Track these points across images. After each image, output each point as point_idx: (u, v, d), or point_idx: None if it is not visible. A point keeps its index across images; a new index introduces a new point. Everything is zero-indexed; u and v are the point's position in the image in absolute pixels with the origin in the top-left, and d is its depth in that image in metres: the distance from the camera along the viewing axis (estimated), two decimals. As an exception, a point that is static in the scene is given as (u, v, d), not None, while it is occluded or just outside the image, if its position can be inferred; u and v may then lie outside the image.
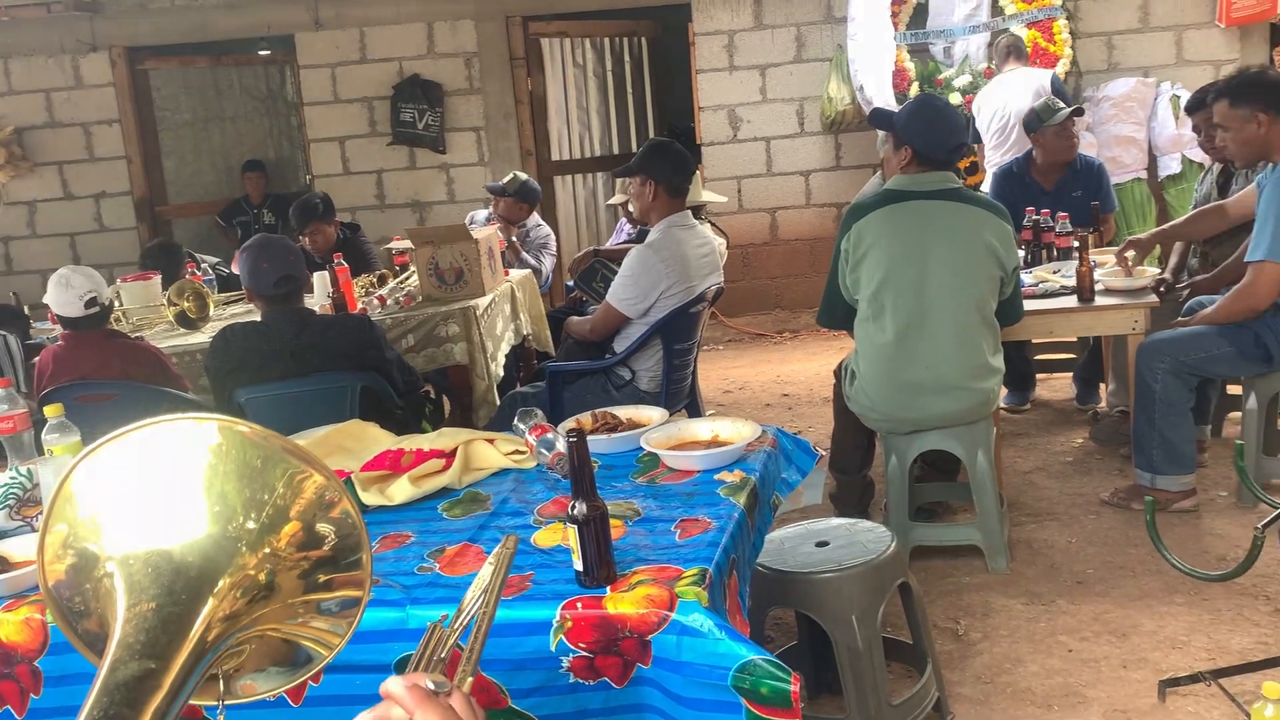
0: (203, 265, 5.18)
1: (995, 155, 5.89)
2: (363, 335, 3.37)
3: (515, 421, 2.24)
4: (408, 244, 4.88)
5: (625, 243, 5.32)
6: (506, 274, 4.78)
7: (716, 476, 1.97)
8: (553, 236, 5.73)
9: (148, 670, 0.64)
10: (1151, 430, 3.45)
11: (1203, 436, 3.86)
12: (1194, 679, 2.44)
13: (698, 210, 4.65)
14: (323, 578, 0.75)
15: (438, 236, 4.36)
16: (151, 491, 0.70)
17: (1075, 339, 4.79)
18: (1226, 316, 3.41)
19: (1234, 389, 4.06)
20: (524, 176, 5.50)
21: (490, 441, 2.22)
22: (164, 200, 7.75)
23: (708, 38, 7.16)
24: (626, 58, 7.92)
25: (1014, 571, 3.23)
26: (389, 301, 4.34)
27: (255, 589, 0.71)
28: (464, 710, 0.73)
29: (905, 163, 3.27)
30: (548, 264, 5.55)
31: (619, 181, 5.47)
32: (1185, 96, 6.46)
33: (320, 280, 4.45)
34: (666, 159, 3.71)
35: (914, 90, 6.57)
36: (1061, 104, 4.52)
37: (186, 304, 4.42)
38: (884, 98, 6.54)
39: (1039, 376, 4.96)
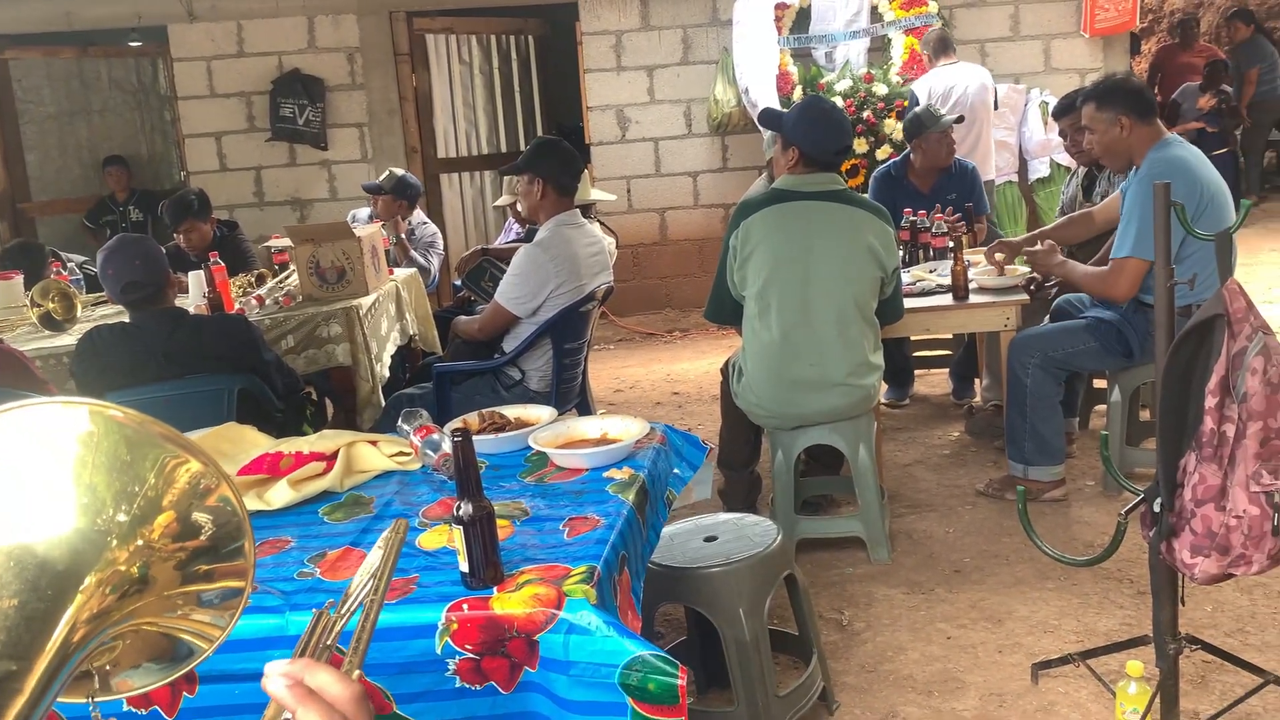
0: (69, 264, 4.94)
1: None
2: (239, 336, 3.26)
3: (400, 423, 2.20)
4: (287, 242, 4.74)
5: (513, 242, 5.28)
6: (391, 273, 4.69)
7: (605, 474, 1.97)
8: (439, 235, 5.65)
9: (8, 672, 0.60)
10: (1023, 423, 3.59)
11: (1071, 429, 4.02)
12: (1064, 661, 2.55)
13: (586, 209, 4.64)
14: (202, 568, 0.72)
15: (319, 234, 4.25)
16: (14, 482, 0.66)
17: (951, 336, 4.96)
18: (1084, 287, 3.61)
19: (1099, 383, 4.26)
20: (400, 172, 5.41)
21: (373, 443, 2.17)
22: (26, 197, 7.37)
23: (595, 37, 7.16)
24: (514, 56, 7.86)
25: (895, 562, 3.32)
26: (267, 301, 4.21)
27: (127, 583, 0.67)
28: (351, 708, 0.70)
29: (793, 163, 3.32)
30: (435, 263, 5.48)
31: (506, 182, 5.43)
32: (1054, 102, 6.76)
33: (195, 280, 4.29)
34: (554, 157, 3.70)
35: (797, 94, 6.69)
36: (944, 111, 4.66)
37: (52, 305, 4.21)
38: (768, 101, 6.64)
39: (917, 373, 5.11)
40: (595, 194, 5.35)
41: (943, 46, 6.23)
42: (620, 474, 1.97)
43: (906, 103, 6.61)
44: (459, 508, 1.54)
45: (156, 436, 0.70)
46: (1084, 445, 4.13)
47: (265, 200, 7.20)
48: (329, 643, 0.82)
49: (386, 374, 4.34)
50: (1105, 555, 2.20)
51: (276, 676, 0.70)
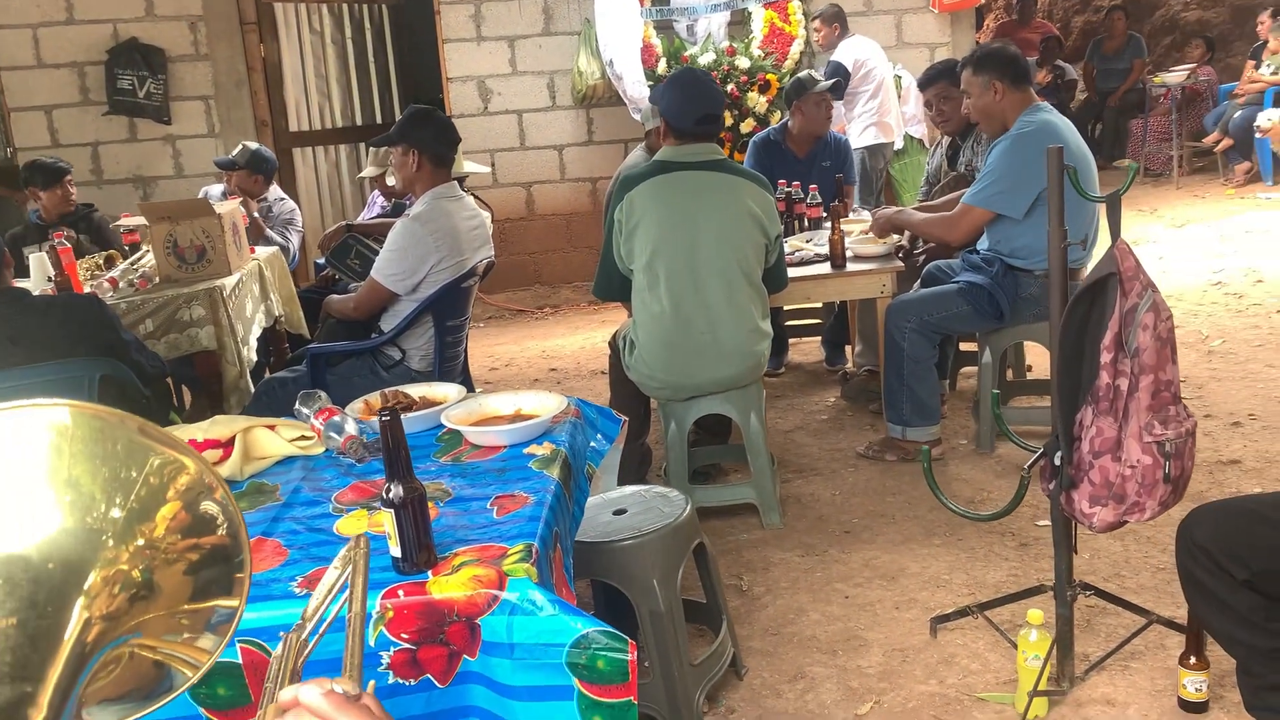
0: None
1: (871, 103, 6.36)
2: (91, 314, 3.02)
3: (298, 405, 2.09)
4: (138, 221, 4.46)
5: (379, 217, 5.12)
6: (252, 251, 4.47)
7: (526, 450, 1.92)
8: (298, 211, 5.41)
9: (23, 695, 0.53)
10: (901, 386, 3.70)
11: (942, 390, 4.17)
12: (961, 613, 2.64)
13: (460, 182, 4.52)
14: (206, 574, 0.65)
15: (176, 212, 4.01)
16: None
17: (821, 305, 5.06)
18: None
19: (965, 346, 4.42)
20: (254, 146, 5.16)
21: (271, 428, 2.05)
22: None
23: (453, 6, 6.97)
24: (367, 25, 7.58)
25: (787, 526, 3.37)
26: (121, 284, 3.95)
27: (133, 586, 0.60)
28: (379, 711, 0.66)
29: (664, 134, 3.34)
30: (295, 241, 5.25)
31: (372, 154, 5.23)
32: (906, 77, 6.97)
33: (38, 263, 3.98)
34: (429, 127, 3.57)
35: (662, 67, 6.69)
36: (820, 76, 4.73)
37: None
38: (634, 73, 6.62)
39: (790, 341, 5.21)
40: (469, 166, 5.22)
41: (840, 19, 6.43)
42: (541, 449, 1.92)
43: (771, 76, 6.70)
44: (389, 490, 1.47)
45: (135, 430, 0.63)
46: (954, 406, 4.29)
47: (104, 178, 6.75)
48: (297, 666, 0.79)
49: (254, 357, 4.14)
50: (1009, 509, 2.28)
51: (307, 690, 0.65)
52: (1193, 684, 2.20)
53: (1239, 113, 8.32)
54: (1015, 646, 2.33)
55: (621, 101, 6.73)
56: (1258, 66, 8.37)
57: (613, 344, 3.62)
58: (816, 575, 3.04)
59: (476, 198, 5.13)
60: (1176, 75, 8.94)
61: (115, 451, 0.61)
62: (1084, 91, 9.97)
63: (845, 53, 6.33)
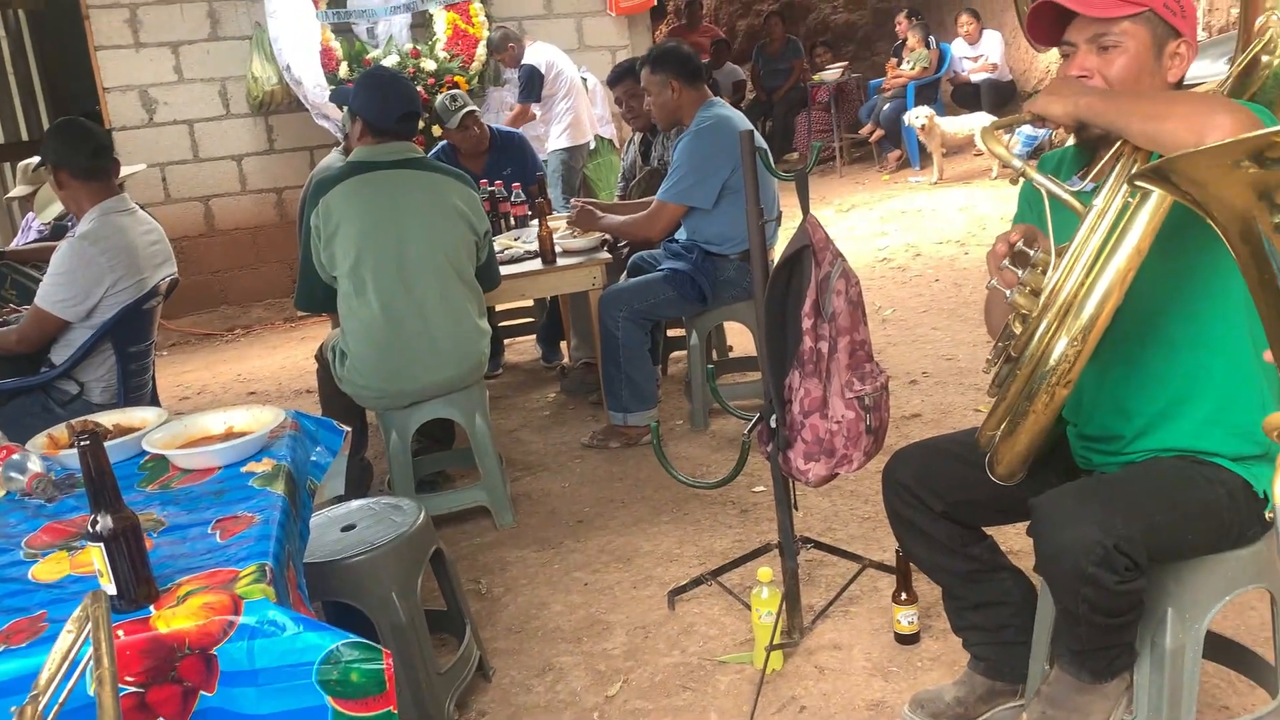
0: None
1: (564, 104, 6.45)
2: None
3: (-35, 448, 1.84)
4: None
5: (36, 242, 4.62)
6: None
7: (244, 469, 1.79)
8: (-64, 240, 4.78)
9: None
10: (619, 374, 3.79)
11: (657, 375, 4.31)
12: (696, 583, 2.74)
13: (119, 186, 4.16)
14: None
15: None
16: None
17: (533, 303, 5.10)
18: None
19: (674, 332, 4.60)
20: None
21: (-67, 476, 1.79)
22: None
23: (104, 11, 6.41)
24: (3, 32, 6.82)
25: (520, 524, 3.37)
26: None
27: None
28: None
29: (361, 134, 3.25)
30: (-67, 272, 4.62)
31: (21, 170, 4.71)
32: (591, 78, 7.15)
33: None
34: (72, 140, 3.26)
35: (344, 70, 6.48)
36: (461, 102, 4.63)
37: None
38: (313, 78, 6.37)
39: (505, 342, 5.21)
40: (126, 169, 4.80)
41: (513, 37, 6.50)
42: (261, 466, 1.79)
43: (459, 78, 6.66)
44: (95, 522, 1.32)
45: None
46: (668, 390, 4.45)
47: None
48: None
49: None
50: (734, 474, 2.39)
51: None
52: (905, 618, 2.40)
53: (887, 105, 9.21)
54: (749, 607, 2.45)
55: (304, 108, 6.45)
56: (900, 64, 9.29)
57: (320, 357, 3.45)
58: (554, 568, 3.05)
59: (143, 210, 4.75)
60: (831, 73, 9.76)
61: None
62: (753, 91, 10.66)
63: (535, 55, 6.41)
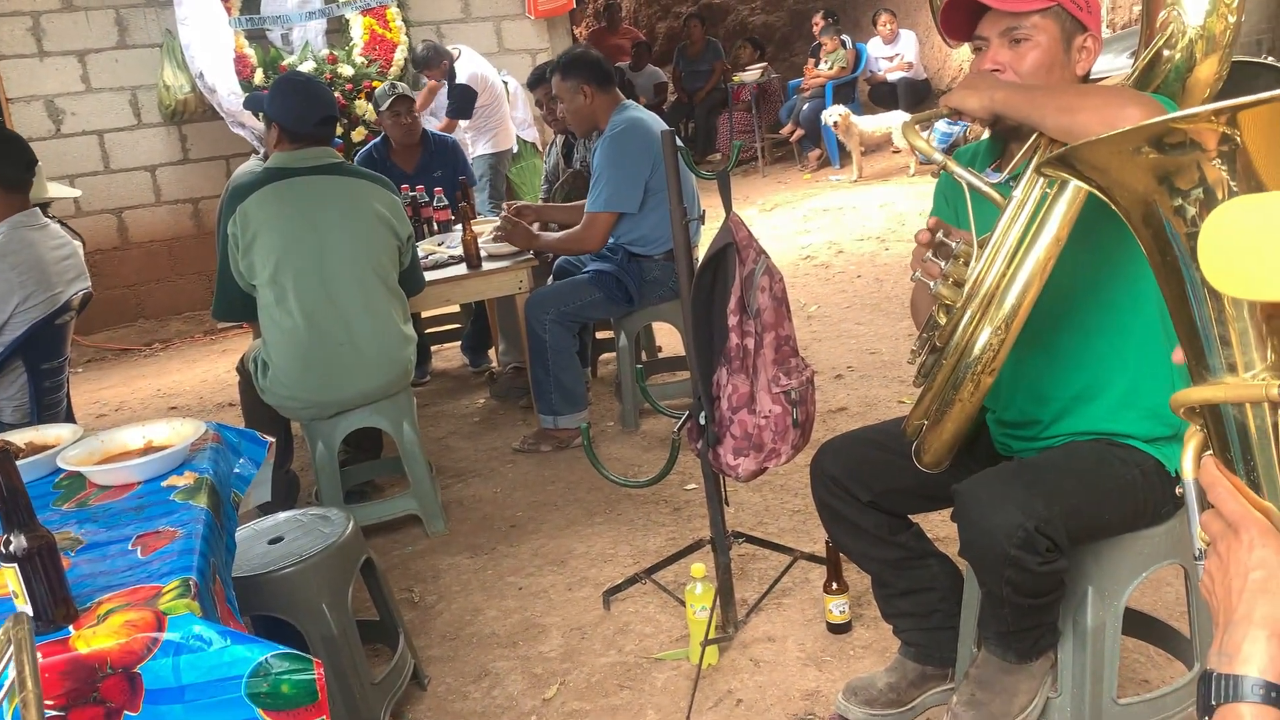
0: None
1: (489, 112, 6.41)
2: None
3: None
4: None
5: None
6: None
7: (165, 484, 1.74)
8: None
9: None
10: (548, 377, 3.78)
11: (585, 377, 4.31)
12: (631, 581, 2.75)
13: (44, 209, 4.03)
14: None
15: None
16: None
17: (460, 309, 5.06)
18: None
19: (603, 335, 4.61)
20: None
21: None
22: None
23: (5, 19, 6.21)
24: (-104, 41, 6.56)
25: (452, 530, 3.34)
26: None
27: None
28: None
29: (278, 140, 3.20)
30: None
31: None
32: (512, 82, 7.12)
33: None
34: (8, 152, 3.16)
35: (259, 77, 6.36)
36: (400, 90, 4.64)
37: None
38: (227, 85, 6.24)
39: (432, 349, 5.16)
40: (56, 190, 4.65)
41: (438, 52, 6.42)
42: (183, 480, 1.75)
43: (378, 83, 6.58)
44: (9, 542, 1.28)
45: None
46: (597, 392, 4.46)
47: None
48: None
49: None
50: (665, 471, 2.40)
51: None
52: (836, 607, 2.43)
53: (806, 105, 9.33)
54: (683, 604, 2.46)
55: (219, 116, 6.32)
56: (817, 64, 9.43)
57: (241, 368, 3.39)
58: (488, 573, 3.03)
59: (66, 226, 4.62)
60: (751, 74, 9.86)
61: None
62: (674, 93, 10.72)
63: (465, 69, 6.33)
